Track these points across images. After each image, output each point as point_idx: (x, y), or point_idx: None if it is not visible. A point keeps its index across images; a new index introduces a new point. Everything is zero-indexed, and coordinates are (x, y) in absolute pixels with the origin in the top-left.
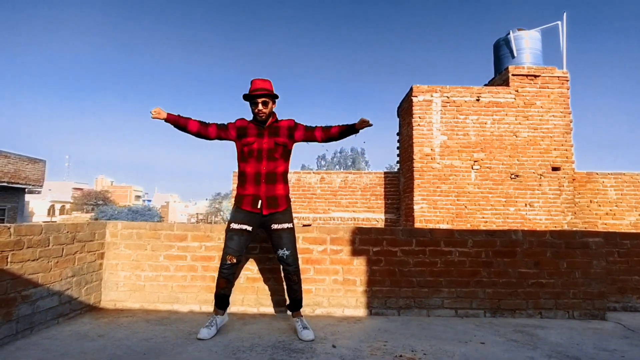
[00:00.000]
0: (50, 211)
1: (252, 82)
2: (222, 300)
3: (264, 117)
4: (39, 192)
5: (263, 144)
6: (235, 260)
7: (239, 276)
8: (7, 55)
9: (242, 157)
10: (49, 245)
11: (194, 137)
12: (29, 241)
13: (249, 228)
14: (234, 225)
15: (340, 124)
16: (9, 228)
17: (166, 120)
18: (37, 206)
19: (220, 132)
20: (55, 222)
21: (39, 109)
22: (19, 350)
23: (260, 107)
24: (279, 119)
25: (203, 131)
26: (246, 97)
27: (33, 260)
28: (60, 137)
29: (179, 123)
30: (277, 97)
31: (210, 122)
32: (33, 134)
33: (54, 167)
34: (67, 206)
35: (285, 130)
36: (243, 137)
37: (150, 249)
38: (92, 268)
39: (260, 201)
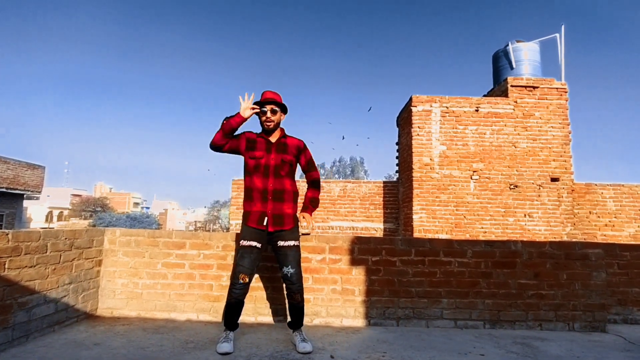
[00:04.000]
0: (48, 217)
1: (262, 93)
2: (233, 322)
3: (271, 126)
4: (37, 198)
5: (270, 159)
6: (247, 280)
7: None
8: (7, 61)
9: (248, 171)
10: (46, 252)
11: (215, 146)
12: (26, 247)
13: (258, 245)
14: (244, 242)
15: (312, 197)
16: (7, 234)
17: (242, 119)
18: (35, 212)
19: (233, 141)
20: (53, 228)
21: (39, 114)
22: (14, 358)
23: (268, 114)
24: (287, 135)
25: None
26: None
27: (30, 267)
28: (60, 143)
29: (233, 130)
30: (286, 109)
31: None
32: (33, 140)
33: (53, 173)
34: (65, 212)
35: (293, 149)
36: (251, 150)
37: (149, 256)
38: (90, 275)
39: (266, 218)
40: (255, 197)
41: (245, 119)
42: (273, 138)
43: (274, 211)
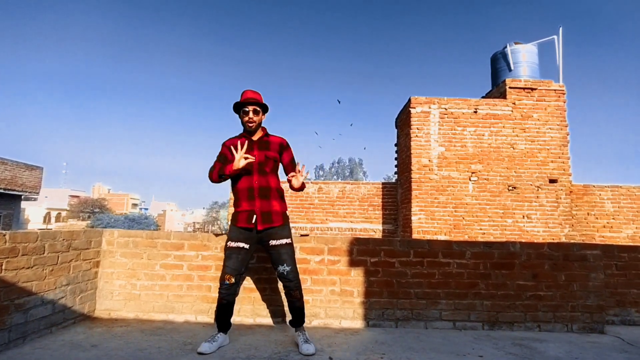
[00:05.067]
0: (46, 218)
1: (243, 92)
2: (223, 322)
3: (253, 127)
4: (35, 199)
5: (255, 157)
6: (233, 280)
7: None
8: (5, 61)
9: (234, 176)
10: (44, 253)
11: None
12: (24, 249)
13: (246, 246)
14: (231, 244)
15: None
16: (4, 235)
17: (236, 172)
18: (33, 213)
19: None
20: (51, 229)
21: (37, 115)
22: None
23: (250, 115)
24: (269, 133)
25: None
26: (237, 106)
27: (27, 268)
28: (58, 144)
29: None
30: (267, 108)
31: (216, 165)
32: (31, 141)
33: (51, 174)
34: (64, 214)
35: (276, 146)
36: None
37: (147, 257)
38: (87, 276)
39: (255, 216)
40: (242, 197)
41: (239, 170)
42: (255, 137)
43: (262, 208)
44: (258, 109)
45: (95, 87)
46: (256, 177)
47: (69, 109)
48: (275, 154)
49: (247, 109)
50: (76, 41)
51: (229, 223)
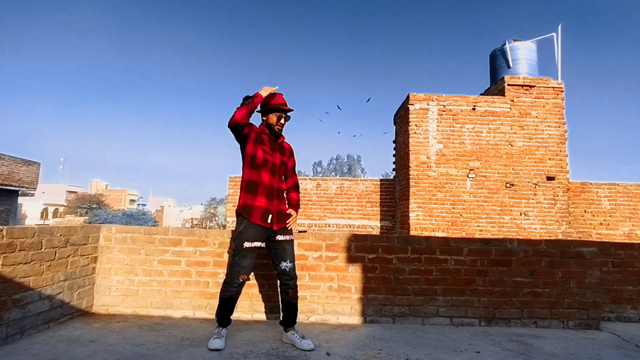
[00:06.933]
0: (44, 214)
1: (277, 95)
2: (226, 318)
3: (281, 132)
4: (32, 195)
5: (276, 158)
6: (247, 278)
7: None
8: (2, 57)
9: (255, 164)
10: (41, 249)
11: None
12: (21, 244)
13: (262, 245)
14: (247, 244)
15: (298, 199)
16: (1, 230)
17: (259, 99)
18: (30, 209)
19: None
20: (49, 225)
21: (34, 110)
22: (9, 356)
23: (282, 121)
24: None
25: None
26: (268, 108)
27: (25, 264)
28: (56, 139)
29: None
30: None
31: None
32: (28, 136)
33: (49, 169)
34: (61, 209)
35: (287, 152)
36: (260, 144)
37: (144, 253)
38: (85, 272)
39: (271, 216)
40: (260, 192)
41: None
42: (279, 140)
43: (278, 208)
44: (289, 116)
45: (94, 83)
46: (277, 177)
47: (67, 105)
48: (286, 160)
49: (282, 115)
50: (75, 38)
51: (239, 217)
